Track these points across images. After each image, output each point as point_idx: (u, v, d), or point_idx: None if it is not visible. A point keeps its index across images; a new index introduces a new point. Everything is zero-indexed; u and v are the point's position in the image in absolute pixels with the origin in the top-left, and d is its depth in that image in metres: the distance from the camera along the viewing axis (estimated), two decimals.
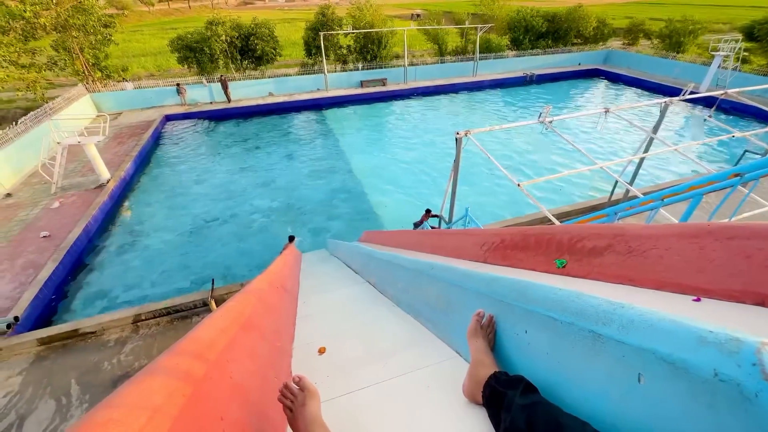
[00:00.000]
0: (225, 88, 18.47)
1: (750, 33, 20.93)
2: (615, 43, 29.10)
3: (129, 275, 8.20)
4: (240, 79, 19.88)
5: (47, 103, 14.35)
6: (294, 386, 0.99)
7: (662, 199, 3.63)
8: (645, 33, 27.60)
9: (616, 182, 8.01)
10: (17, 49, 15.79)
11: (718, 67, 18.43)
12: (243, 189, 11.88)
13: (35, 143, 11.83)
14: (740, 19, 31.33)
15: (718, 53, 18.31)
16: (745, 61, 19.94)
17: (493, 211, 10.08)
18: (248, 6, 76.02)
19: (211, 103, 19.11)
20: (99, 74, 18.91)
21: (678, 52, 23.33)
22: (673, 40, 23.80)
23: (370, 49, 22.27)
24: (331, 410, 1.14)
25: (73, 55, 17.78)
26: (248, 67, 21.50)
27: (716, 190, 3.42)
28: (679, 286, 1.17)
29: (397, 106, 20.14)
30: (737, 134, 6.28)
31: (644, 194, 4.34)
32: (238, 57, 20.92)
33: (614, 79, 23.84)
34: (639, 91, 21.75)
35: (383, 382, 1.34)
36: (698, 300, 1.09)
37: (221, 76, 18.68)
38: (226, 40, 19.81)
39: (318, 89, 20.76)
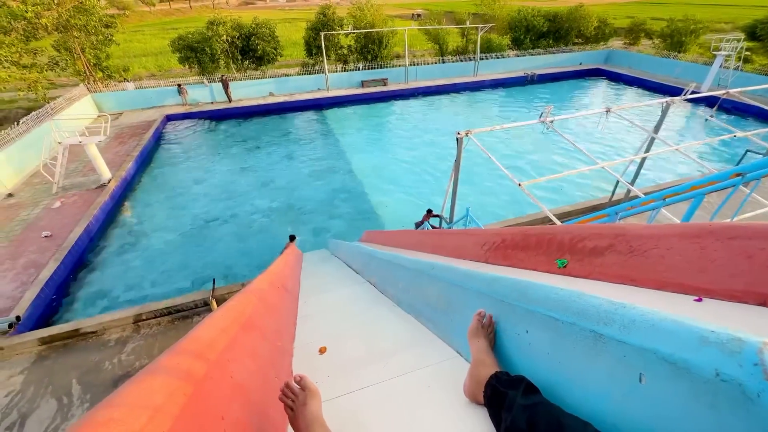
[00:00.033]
0: (226, 88, 18.49)
1: (752, 32, 20.89)
2: (616, 43, 29.06)
3: (130, 275, 8.22)
4: (241, 79, 19.89)
5: (48, 103, 14.39)
6: (295, 385, 0.99)
7: (663, 199, 3.62)
8: (646, 32, 27.56)
9: (618, 182, 8.00)
10: (19, 49, 15.82)
11: (720, 66, 18.37)
12: (244, 189, 11.89)
13: (37, 143, 11.85)
14: (742, 19, 31.26)
15: (719, 53, 18.26)
16: (747, 60, 19.89)
17: (494, 211, 10.07)
18: (249, 6, 76.11)
19: (212, 103, 19.13)
20: (100, 74, 18.94)
21: (679, 52, 23.27)
22: (675, 40, 23.75)
23: (371, 49, 22.26)
24: (332, 410, 1.14)
25: (75, 55, 17.81)
26: (249, 67, 21.53)
27: (718, 189, 3.41)
28: (681, 286, 1.17)
29: (398, 106, 20.14)
30: (739, 134, 6.27)
31: (645, 194, 4.33)
32: (239, 57, 20.94)
33: (615, 78, 23.80)
34: (640, 90, 21.70)
35: (384, 382, 1.34)
36: (700, 300, 1.09)
37: (222, 76, 18.71)
38: (227, 40, 19.83)
39: (319, 89, 20.77)
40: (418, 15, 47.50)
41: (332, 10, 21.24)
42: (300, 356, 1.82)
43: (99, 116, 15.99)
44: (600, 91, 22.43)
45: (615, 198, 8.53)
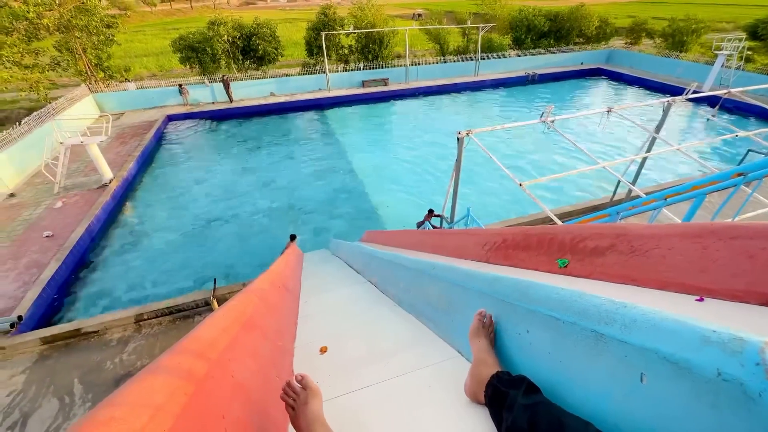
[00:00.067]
0: (227, 88, 18.51)
1: (754, 32, 20.85)
2: (617, 43, 28.98)
3: (131, 275, 8.23)
4: (242, 79, 19.91)
5: (50, 103, 14.42)
6: (296, 385, 1.00)
7: (665, 199, 3.62)
8: (647, 32, 27.48)
9: (619, 182, 7.98)
10: (20, 49, 15.88)
11: (722, 66, 18.31)
12: (245, 189, 11.89)
13: (38, 143, 11.88)
14: (744, 18, 31.15)
15: (721, 52, 18.20)
16: (748, 60, 19.83)
17: (495, 211, 10.06)
18: (250, 6, 76.15)
19: (213, 103, 19.15)
20: (101, 74, 18.98)
21: (681, 51, 23.21)
22: (676, 39, 23.69)
23: (372, 48, 22.26)
24: (333, 409, 1.14)
25: (76, 55, 17.85)
26: (250, 67, 21.54)
27: (719, 189, 3.40)
28: (682, 286, 1.17)
29: (399, 105, 20.13)
30: (740, 133, 6.25)
31: (647, 194, 4.32)
32: (240, 57, 20.96)
33: (616, 78, 23.75)
34: (641, 90, 21.65)
35: (385, 382, 1.34)
36: (701, 300, 1.09)
37: (223, 76, 18.73)
38: (228, 40, 19.84)
39: (319, 89, 20.78)
40: (419, 15, 47.48)
41: (333, 10, 21.24)
42: (301, 356, 1.82)
43: (100, 116, 16.00)
44: (601, 90, 22.39)
45: (616, 198, 8.52)
